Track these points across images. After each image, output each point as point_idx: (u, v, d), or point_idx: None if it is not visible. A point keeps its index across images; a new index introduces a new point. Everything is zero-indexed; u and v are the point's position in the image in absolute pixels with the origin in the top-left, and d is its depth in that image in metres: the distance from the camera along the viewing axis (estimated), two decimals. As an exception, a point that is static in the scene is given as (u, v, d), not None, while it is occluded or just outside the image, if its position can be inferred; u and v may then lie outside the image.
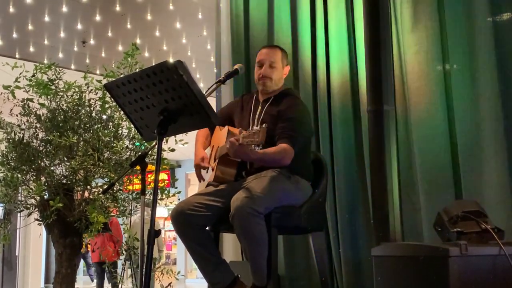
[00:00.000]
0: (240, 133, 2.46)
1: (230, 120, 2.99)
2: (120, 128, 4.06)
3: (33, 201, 3.95)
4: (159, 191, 3.99)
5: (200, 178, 2.88)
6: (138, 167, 2.12)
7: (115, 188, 3.98)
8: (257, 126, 2.78)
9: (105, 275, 9.28)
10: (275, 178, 2.68)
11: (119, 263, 7.03)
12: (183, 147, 4.14)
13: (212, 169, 2.83)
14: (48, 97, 4.02)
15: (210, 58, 7.40)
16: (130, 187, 4.16)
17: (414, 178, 3.36)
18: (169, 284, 4.17)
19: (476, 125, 3.12)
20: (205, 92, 2.21)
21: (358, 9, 3.76)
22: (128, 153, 4.04)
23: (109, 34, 7.12)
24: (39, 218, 3.98)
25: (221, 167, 2.75)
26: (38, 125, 4.00)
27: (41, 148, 3.97)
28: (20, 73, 3.97)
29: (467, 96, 3.17)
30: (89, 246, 9.25)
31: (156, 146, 2.03)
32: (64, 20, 6.76)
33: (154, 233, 1.92)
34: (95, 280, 10.15)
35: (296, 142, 2.71)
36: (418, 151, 3.32)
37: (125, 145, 4.02)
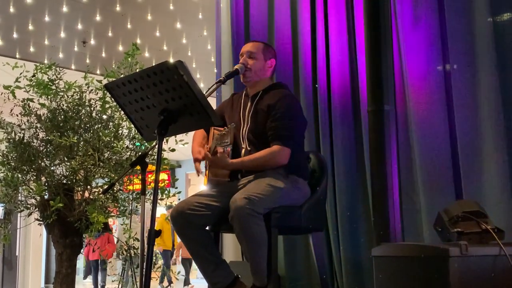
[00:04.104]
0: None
1: (223, 120, 2.99)
2: (120, 128, 4.06)
3: (33, 201, 3.96)
4: (159, 191, 3.99)
5: (199, 172, 2.87)
6: (138, 167, 2.12)
7: (115, 188, 3.98)
8: (246, 123, 2.78)
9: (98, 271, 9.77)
10: (273, 178, 2.67)
11: (119, 263, 7.09)
12: (183, 147, 4.15)
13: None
14: (49, 97, 4.03)
15: (210, 58, 7.41)
16: (130, 187, 4.16)
17: (414, 178, 3.36)
18: (170, 284, 4.17)
19: (476, 125, 3.11)
20: (206, 92, 2.21)
21: (358, 9, 3.76)
22: (129, 153, 4.05)
23: (110, 34, 7.13)
24: (39, 218, 3.98)
25: (212, 169, 2.73)
26: (38, 125, 4.00)
27: (41, 148, 3.97)
28: (21, 73, 3.97)
29: (467, 96, 3.17)
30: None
31: (157, 146, 2.03)
32: (65, 20, 6.77)
33: (154, 233, 1.92)
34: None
35: (290, 140, 2.70)
36: (418, 151, 3.31)
37: (126, 145, 4.02)
